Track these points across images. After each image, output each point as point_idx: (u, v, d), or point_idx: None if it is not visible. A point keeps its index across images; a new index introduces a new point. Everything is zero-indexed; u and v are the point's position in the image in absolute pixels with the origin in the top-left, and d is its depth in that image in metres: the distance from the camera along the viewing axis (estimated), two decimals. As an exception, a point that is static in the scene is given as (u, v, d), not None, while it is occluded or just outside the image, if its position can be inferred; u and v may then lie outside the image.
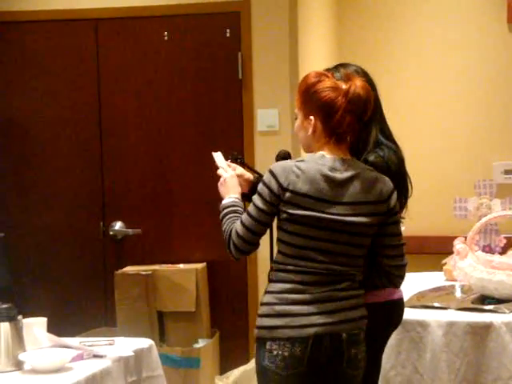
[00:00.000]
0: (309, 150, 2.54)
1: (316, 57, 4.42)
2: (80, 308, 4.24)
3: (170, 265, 4.12)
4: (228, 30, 4.18)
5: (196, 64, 4.25)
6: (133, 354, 2.68)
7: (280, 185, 2.42)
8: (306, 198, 2.41)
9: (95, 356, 2.60)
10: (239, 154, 3.87)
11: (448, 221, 4.02)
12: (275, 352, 2.40)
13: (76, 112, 4.34)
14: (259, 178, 2.68)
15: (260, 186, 2.47)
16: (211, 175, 4.23)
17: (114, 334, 3.12)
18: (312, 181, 2.41)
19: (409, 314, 2.93)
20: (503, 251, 3.62)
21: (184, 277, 4.02)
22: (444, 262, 3.68)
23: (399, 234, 2.54)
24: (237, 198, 2.60)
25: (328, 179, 2.42)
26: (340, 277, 2.46)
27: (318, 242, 2.43)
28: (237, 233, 2.47)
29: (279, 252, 2.49)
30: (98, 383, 2.46)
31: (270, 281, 2.49)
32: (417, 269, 3.95)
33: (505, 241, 3.69)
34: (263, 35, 4.14)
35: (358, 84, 2.44)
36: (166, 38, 4.24)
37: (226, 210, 2.56)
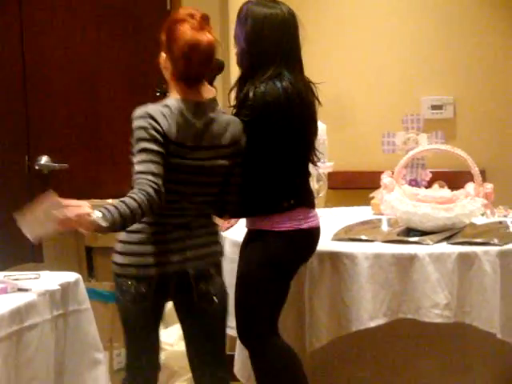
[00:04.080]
0: (168, 82, 2.60)
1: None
2: (5, 243, 4.15)
3: (98, 200, 4.06)
4: (155, -41, 4.08)
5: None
6: (59, 287, 2.65)
7: (161, 127, 2.45)
8: (177, 145, 2.48)
9: (20, 290, 2.55)
10: (167, 88, 3.80)
11: (377, 156, 4.05)
12: (124, 287, 2.53)
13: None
14: None
15: (145, 132, 2.42)
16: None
17: (41, 270, 3.07)
18: (178, 126, 2.47)
19: (336, 246, 2.97)
20: (429, 185, 3.68)
21: (113, 212, 3.97)
22: (372, 195, 3.72)
23: (241, 174, 2.68)
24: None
25: (191, 126, 2.50)
26: (192, 217, 2.56)
27: (175, 185, 2.50)
28: (155, 190, 2.36)
29: None
30: (22, 317, 2.42)
31: None
32: (345, 203, 4.00)
33: (430, 175, 3.75)
34: (192, -36, 4.05)
35: (203, 37, 2.48)
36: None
37: (118, 214, 2.35)
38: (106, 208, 2.35)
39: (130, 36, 4.15)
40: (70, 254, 3.86)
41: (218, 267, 2.65)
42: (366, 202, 3.81)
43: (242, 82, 2.77)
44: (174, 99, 2.54)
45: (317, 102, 2.83)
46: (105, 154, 4.22)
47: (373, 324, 2.91)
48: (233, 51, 4.15)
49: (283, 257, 2.77)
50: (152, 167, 2.40)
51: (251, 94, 2.66)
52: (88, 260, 3.95)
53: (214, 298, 2.60)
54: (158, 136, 2.44)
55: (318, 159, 2.90)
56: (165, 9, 4.08)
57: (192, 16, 2.52)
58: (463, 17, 4.50)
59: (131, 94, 4.19)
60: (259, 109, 2.66)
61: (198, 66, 2.52)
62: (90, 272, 3.95)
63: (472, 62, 4.49)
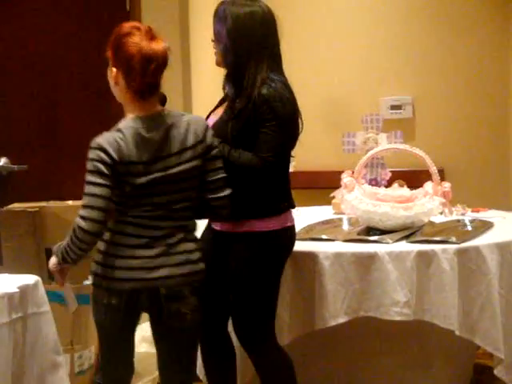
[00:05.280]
0: (119, 100, 2.59)
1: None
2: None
3: (58, 201, 4.03)
4: (114, -41, 4.05)
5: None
6: (17, 290, 2.62)
7: (112, 158, 2.45)
8: (133, 164, 2.47)
9: (-23, 293, 2.53)
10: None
11: (337, 156, 4.08)
12: (98, 298, 2.55)
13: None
14: None
15: (92, 164, 2.46)
16: (100, 108, 4.15)
17: (0, 273, 3.04)
18: (135, 146, 2.46)
19: (297, 246, 2.98)
20: (389, 184, 3.72)
21: (73, 213, 3.85)
22: (332, 195, 3.74)
23: (219, 167, 2.62)
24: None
25: (146, 141, 2.48)
26: (176, 229, 2.55)
27: (153, 198, 2.50)
28: (84, 218, 2.46)
29: (116, 205, 2.54)
30: (-20, 320, 2.40)
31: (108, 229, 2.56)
32: (306, 203, 4.02)
33: (390, 174, 3.78)
34: (152, -35, 4.04)
35: (153, 46, 2.47)
36: (49, -35, 4.07)
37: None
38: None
39: (89, 37, 4.12)
40: (29, 257, 3.81)
41: (194, 287, 2.58)
42: (327, 201, 3.84)
43: (229, 79, 2.76)
44: (127, 120, 2.53)
45: None
46: (64, 155, 4.18)
47: (334, 322, 2.93)
48: (194, 50, 4.16)
49: (279, 256, 2.80)
50: (91, 200, 2.46)
51: (265, 92, 2.64)
52: (48, 262, 3.91)
53: (188, 316, 2.57)
54: (102, 168, 2.45)
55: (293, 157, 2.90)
56: (124, 9, 4.06)
57: (138, 28, 2.52)
58: (420, 18, 4.55)
59: (90, 95, 4.16)
60: (285, 107, 2.65)
61: (157, 75, 2.50)
62: (49, 274, 3.91)
63: (430, 63, 4.54)
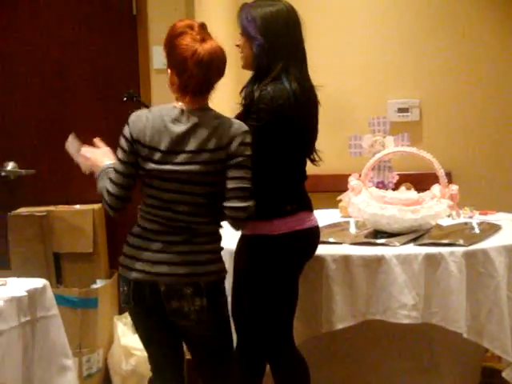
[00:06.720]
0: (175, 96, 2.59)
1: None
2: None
3: (66, 205, 4.04)
4: (121, -37, 4.06)
5: (88, -1, 4.12)
6: (26, 294, 2.63)
7: (131, 134, 2.50)
8: (149, 149, 2.49)
9: (-14, 297, 2.54)
10: (135, 93, 3.81)
11: (344, 159, 4.08)
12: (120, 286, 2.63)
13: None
14: None
15: (120, 139, 2.53)
16: (108, 113, 4.16)
17: (8, 277, 3.05)
18: (155, 131, 2.48)
19: (304, 249, 2.97)
20: (396, 187, 3.71)
21: (80, 217, 3.95)
22: (339, 198, 3.74)
23: (240, 177, 2.52)
24: (106, 163, 2.65)
25: (168, 131, 2.49)
26: (179, 229, 2.53)
27: (155, 190, 2.52)
28: (107, 191, 2.54)
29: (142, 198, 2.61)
30: (-11, 324, 2.41)
31: None
32: (313, 207, 4.02)
33: (397, 177, 3.78)
34: (158, -32, 4.05)
35: (205, 47, 2.47)
36: (55, -30, 4.08)
37: (98, 175, 2.66)
38: (106, 170, 2.60)
39: (96, 43, 4.13)
40: (37, 261, 3.82)
41: (199, 288, 2.51)
42: (334, 204, 3.84)
43: (256, 82, 2.73)
44: (164, 105, 2.55)
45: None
46: (72, 160, 4.17)
47: (341, 326, 2.93)
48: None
49: (287, 260, 2.77)
50: (114, 176, 2.55)
51: (256, 95, 2.65)
52: (56, 266, 3.93)
53: (192, 316, 2.52)
54: (123, 143, 2.53)
55: (320, 159, 2.89)
56: (131, 13, 4.07)
57: (191, 27, 2.51)
58: (428, 21, 4.55)
59: (98, 98, 4.17)
60: (269, 112, 2.64)
61: (209, 75, 2.50)
62: (58, 278, 3.92)
63: (437, 66, 4.54)
